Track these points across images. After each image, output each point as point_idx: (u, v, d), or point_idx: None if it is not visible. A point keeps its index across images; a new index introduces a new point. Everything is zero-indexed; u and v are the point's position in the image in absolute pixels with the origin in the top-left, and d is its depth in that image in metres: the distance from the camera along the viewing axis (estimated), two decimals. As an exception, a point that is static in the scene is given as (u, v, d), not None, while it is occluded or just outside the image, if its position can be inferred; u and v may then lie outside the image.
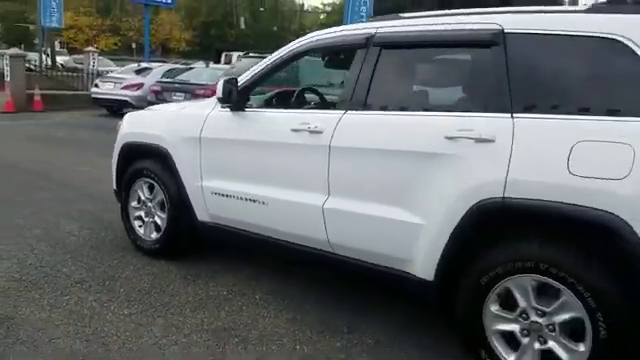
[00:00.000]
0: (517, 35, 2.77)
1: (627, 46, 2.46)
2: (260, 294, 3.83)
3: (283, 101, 4.19)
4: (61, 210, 5.65)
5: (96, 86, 15.19)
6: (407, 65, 3.27)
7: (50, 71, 20.64)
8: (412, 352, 3.13)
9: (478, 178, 2.71)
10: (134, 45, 47.46)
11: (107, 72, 18.62)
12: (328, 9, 63.75)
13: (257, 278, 4.08)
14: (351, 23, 15.04)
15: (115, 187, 4.70)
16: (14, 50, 15.90)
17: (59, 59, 35.73)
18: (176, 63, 21.12)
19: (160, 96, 12.65)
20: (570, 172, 2.46)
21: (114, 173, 4.66)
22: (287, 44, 3.74)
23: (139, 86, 14.34)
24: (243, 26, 43.16)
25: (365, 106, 3.22)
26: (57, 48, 50.29)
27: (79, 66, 25.25)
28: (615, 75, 2.53)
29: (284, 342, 3.21)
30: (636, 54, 2.43)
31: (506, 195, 2.62)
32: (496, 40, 2.80)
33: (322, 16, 58.50)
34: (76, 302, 3.59)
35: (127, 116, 4.69)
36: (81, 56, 27.04)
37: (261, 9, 43.80)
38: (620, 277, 2.40)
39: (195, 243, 4.37)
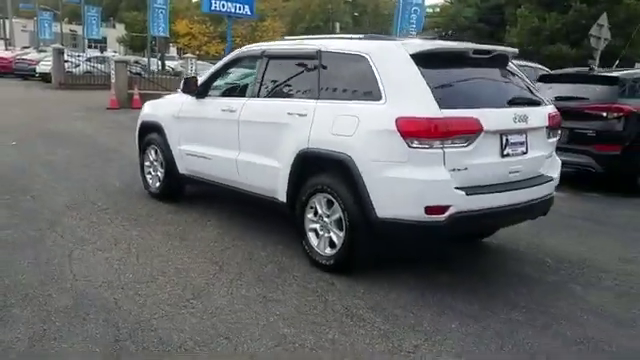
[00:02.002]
0: (325, 52, 4.60)
1: (366, 59, 4.22)
2: (212, 221, 5.82)
3: (230, 92, 6.12)
4: (114, 172, 8.00)
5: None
6: (277, 69, 5.13)
7: (154, 74, 23.88)
8: (282, 250, 4.98)
9: (299, 137, 4.54)
10: (240, 50, 51.24)
11: (197, 75, 21.39)
12: (429, 10, 64.60)
13: (215, 214, 6.06)
14: (401, 30, 16.68)
15: (138, 153, 6.90)
16: (118, 56, 19.08)
17: (171, 64, 39.95)
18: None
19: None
20: (332, 133, 4.26)
21: (137, 143, 6.86)
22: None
23: (216, 86, 16.80)
24: (338, 31, 45.70)
25: (257, 95, 5.15)
26: (174, 54, 55.18)
27: (184, 70, 28.72)
28: (357, 77, 4.29)
29: (208, 242, 5.17)
30: (370, 64, 4.19)
31: (308, 147, 4.45)
32: (316, 55, 4.64)
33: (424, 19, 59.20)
34: (96, 218, 5.77)
35: (146, 103, 6.87)
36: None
37: (355, 14, 46.19)
38: (351, 190, 4.16)
39: (180, 189, 6.47)
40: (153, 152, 6.55)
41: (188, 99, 5.96)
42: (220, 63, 5.81)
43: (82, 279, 4.19)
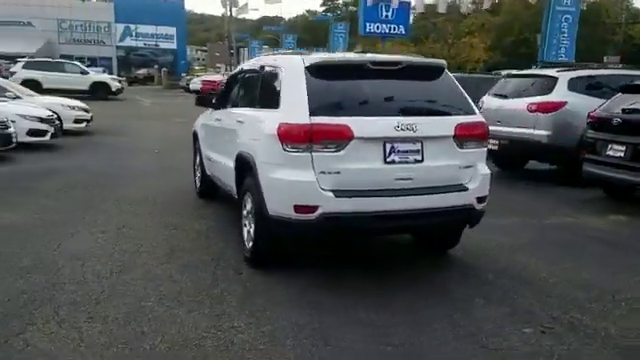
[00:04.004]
0: (264, 67, 5.11)
1: (278, 72, 4.66)
2: (212, 215, 6.55)
3: (225, 104, 6.66)
4: (177, 176, 8.97)
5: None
6: (244, 83, 5.74)
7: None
8: (239, 244, 5.49)
9: (239, 141, 5.08)
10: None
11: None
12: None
13: (224, 209, 6.67)
14: (550, 40, 15.62)
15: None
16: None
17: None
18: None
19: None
20: (249, 137, 4.73)
21: (193, 150, 7.87)
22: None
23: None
24: (539, 42, 43.45)
25: (232, 105, 5.82)
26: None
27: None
28: (274, 88, 4.68)
29: (191, 232, 5.88)
30: (280, 76, 4.60)
31: (240, 149, 4.96)
32: (259, 71, 5.17)
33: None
34: (127, 209, 6.80)
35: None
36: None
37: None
38: (255, 188, 4.54)
39: (214, 189, 7.24)
40: (198, 157, 7.49)
41: (211, 111, 6.79)
42: (226, 79, 6.61)
43: (59, 251, 5.19)
